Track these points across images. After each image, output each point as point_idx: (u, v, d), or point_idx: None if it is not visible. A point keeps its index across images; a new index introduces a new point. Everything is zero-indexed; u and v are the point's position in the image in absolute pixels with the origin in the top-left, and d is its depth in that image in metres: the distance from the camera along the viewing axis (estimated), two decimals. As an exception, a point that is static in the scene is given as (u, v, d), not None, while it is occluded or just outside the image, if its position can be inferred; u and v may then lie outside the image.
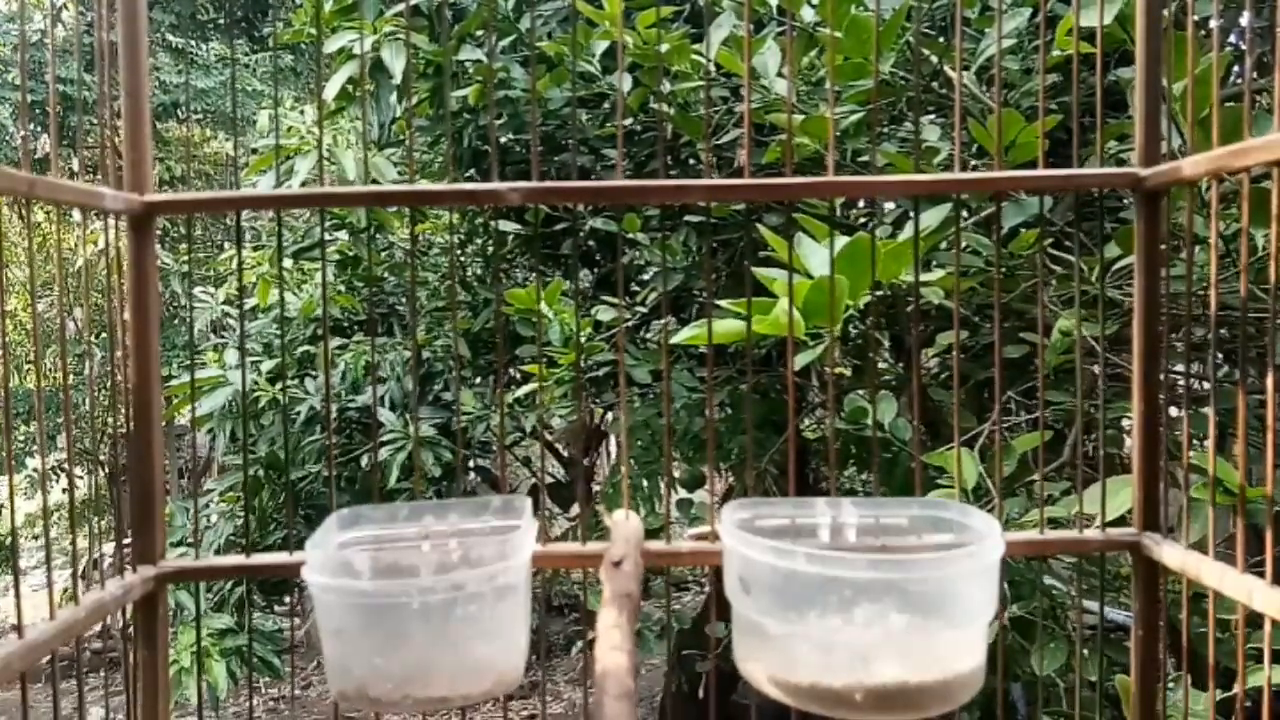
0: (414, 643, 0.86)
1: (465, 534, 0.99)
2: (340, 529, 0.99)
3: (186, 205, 1.20)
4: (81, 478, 6.26)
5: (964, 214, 2.06)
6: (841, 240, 1.42)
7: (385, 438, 3.23)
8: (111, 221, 1.09)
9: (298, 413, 3.44)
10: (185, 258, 5.93)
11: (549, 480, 4.76)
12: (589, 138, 3.05)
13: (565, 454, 5.35)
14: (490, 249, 3.64)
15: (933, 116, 2.32)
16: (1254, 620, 0.98)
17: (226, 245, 6.39)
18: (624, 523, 1.10)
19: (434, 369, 3.56)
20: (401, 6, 2.90)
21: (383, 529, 0.99)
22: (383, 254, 3.81)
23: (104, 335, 1.16)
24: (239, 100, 7.60)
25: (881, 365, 2.75)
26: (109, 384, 1.19)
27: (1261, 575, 0.94)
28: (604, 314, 2.96)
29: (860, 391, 2.50)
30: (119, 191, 1.10)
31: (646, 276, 3.43)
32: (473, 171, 3.25)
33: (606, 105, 3.00)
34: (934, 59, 2.11)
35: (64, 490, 6.43)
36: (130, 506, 1.13)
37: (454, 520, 1.00)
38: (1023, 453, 1.80)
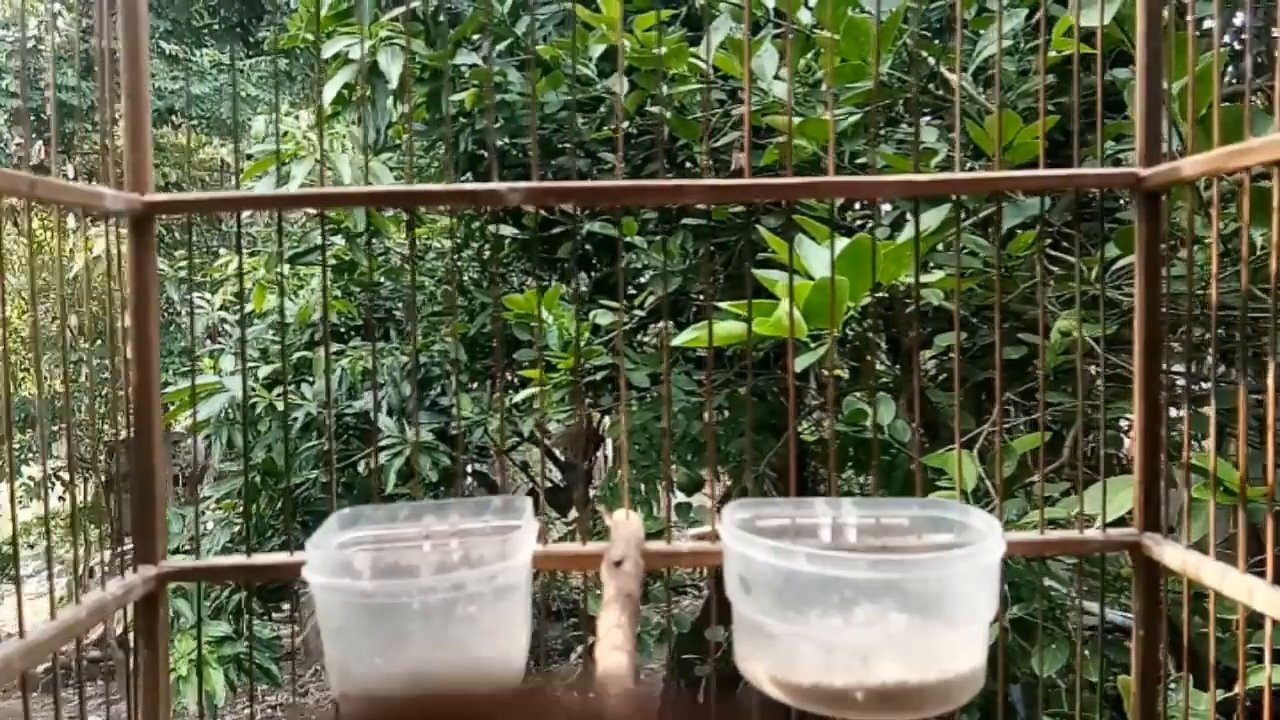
0: (414, 642, 0.85)
1: (466, 534, 0.99)
2: (341, 529, 0.98)
3: (187, 205, 1.20)
4: (80, 485, 6.23)
5: (963, 215, 2.06)
6: (842, 242, 1.42)
7: (383, 443, 3.22)
8: (111, 226, 1.09)
9: (295, 419, 3.43)
10: (181, 264, 5.92)
11: (546, 485, 4.75)
12: (586, 141, 3.05)
13: (563, 459, 5.34)
14: (487, 253, 3.63)
15: (930, 118, 2.32)
16: (1255, 620, 0.97)
17: (222, 251, 6.38)
18: (624, 522, 1.10)
19: (432, 374, 3.55)
20: (398, 11, 2.90)
21: (383, 529, 0.99)
22: (380, 259, 3.80)
23: (100, 343, 1.16)
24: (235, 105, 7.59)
25: (880, 367, 2.75)
26: (107, 390, 1.18)
27: (1262, 575, 0.94)
28: (602, 318, 2.96)
29: (859, 393, 2.50)
30: (119, 192, 1.10)
31: (645, 280, 3.43)
32: (469, 175, 3.25)
33: (603, 109, 3.00)
34: (931, 60, 2.11)
35: (60, 498, 6.40)
36: (130, 507, 1.13)
37: (454, 520, 0.99)
38: (1022, 454, 1.80)
